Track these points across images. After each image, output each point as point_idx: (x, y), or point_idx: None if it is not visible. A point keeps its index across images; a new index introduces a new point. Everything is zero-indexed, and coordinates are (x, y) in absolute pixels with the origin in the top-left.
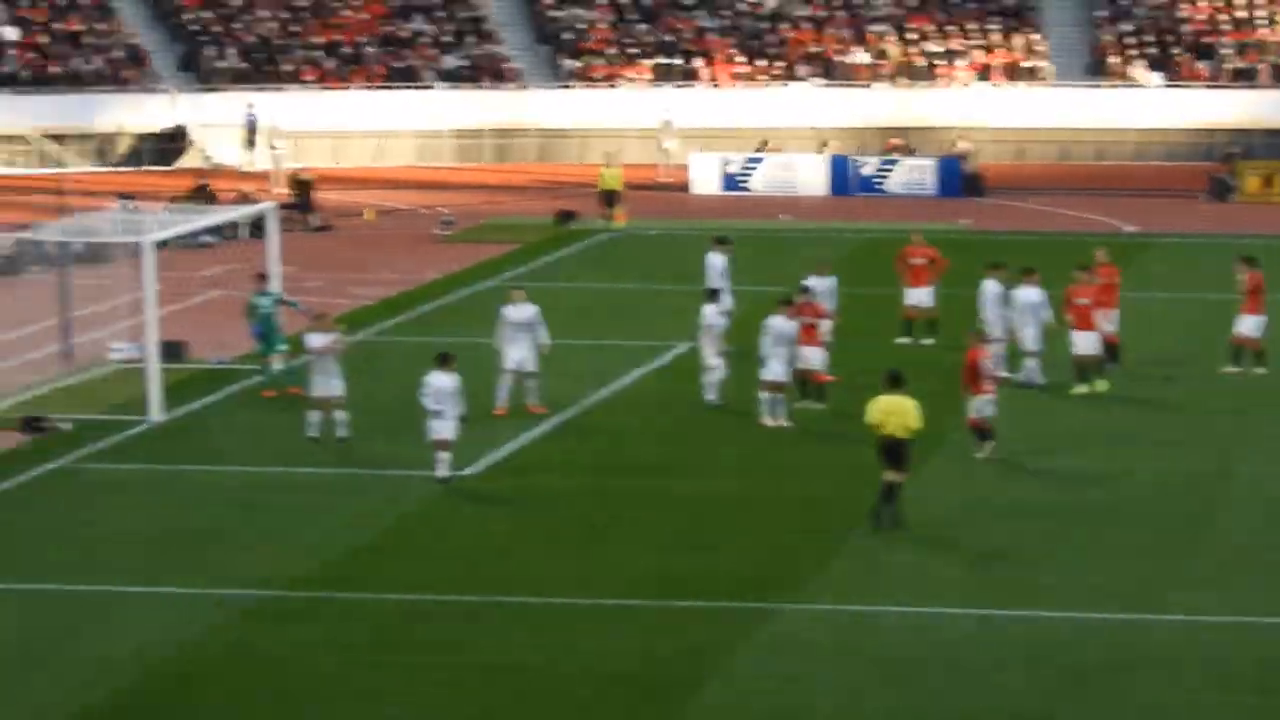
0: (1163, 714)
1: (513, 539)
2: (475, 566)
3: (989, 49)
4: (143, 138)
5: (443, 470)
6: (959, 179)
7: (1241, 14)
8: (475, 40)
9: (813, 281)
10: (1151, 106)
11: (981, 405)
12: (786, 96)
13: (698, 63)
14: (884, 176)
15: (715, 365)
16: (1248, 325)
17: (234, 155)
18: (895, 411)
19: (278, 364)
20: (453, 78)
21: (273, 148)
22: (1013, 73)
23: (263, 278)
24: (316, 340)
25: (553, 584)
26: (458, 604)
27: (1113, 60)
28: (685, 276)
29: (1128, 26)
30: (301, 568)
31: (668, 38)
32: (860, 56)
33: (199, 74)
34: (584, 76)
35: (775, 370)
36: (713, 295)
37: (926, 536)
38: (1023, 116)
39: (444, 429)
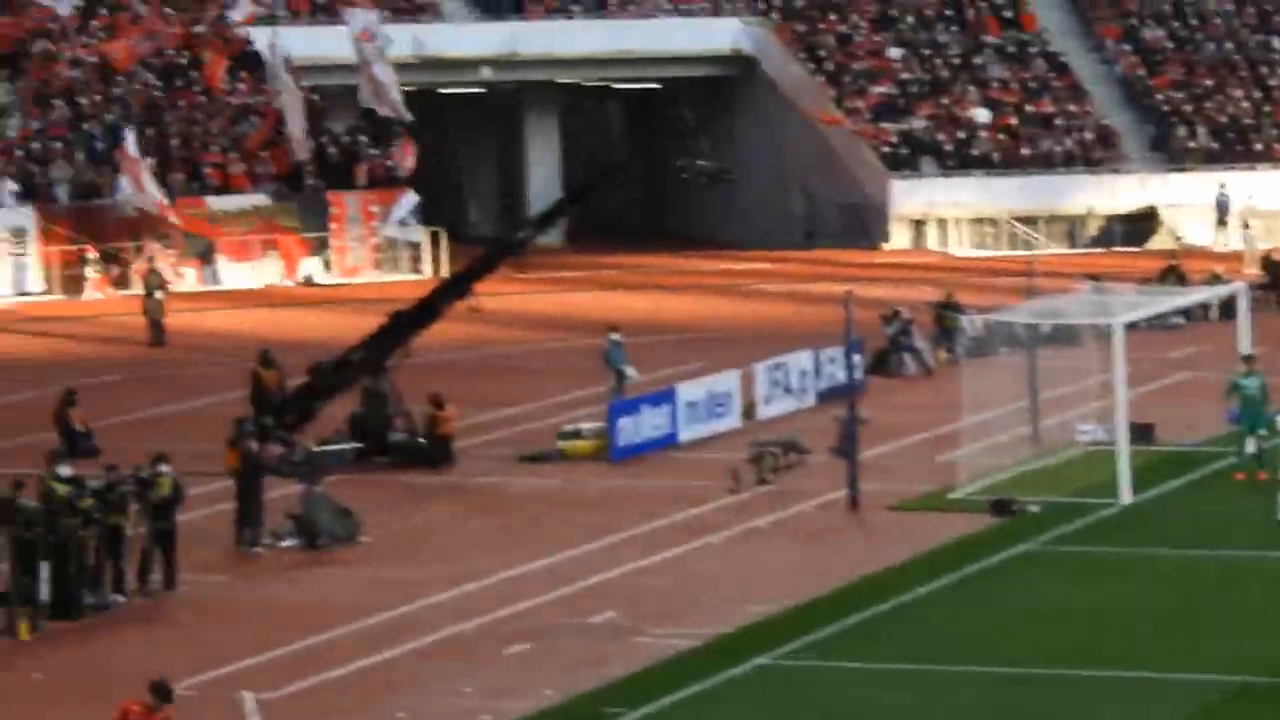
0: None
1: None
2: None
3: None
4: (1112, 219)
5: None
6: None
7: None
8: None
9: None
10: None
11: None
12: None
13: None
14: None
15: None
16: None
17: (1204, 235)
18: None
19: (1250, 446)
20: None
21: (1245, 227)
22: None
23: (1250, 359)
24: None
25: None
26: None
27: None
28: None
29: None
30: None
31: None
32: None
33: (1169, 154)
34: None
35: None
36: None
37: None
38: None
39: None
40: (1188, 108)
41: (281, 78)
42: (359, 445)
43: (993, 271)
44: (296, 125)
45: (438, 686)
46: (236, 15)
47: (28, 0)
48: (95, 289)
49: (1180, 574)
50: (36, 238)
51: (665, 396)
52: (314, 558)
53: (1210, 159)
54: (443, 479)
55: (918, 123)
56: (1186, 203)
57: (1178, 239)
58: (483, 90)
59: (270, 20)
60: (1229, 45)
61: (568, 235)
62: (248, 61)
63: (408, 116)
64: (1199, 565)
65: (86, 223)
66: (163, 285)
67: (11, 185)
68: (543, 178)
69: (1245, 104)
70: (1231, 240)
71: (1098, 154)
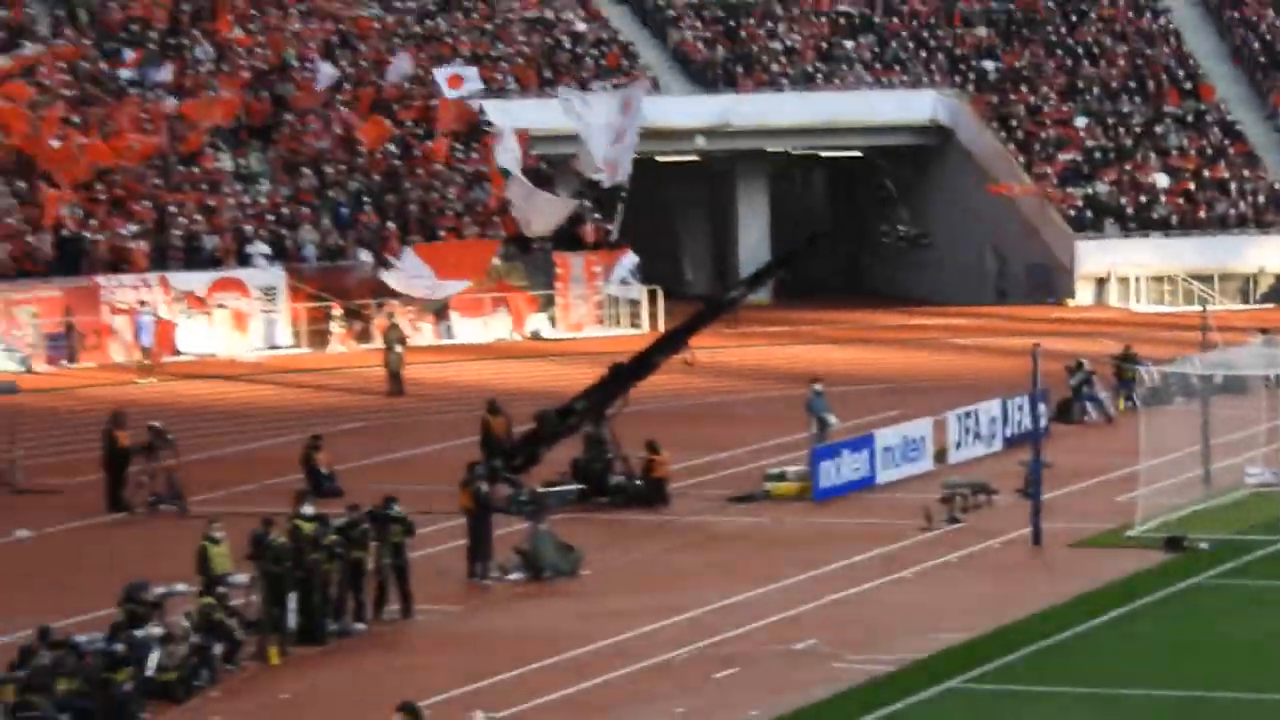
0: None
1: None
2: None
3: None
4: None
5: None
6: None
7: None
8: None
9: None
10: None
11: None
12: None
13: None
14: None
15: None
16: None
17: None
18: None
19: None
20: None
21: None
22: None
23: None
24: None
25: None
26: None
27: None
28: None
29: None
30: None
31: None
32: None
33: None
34: None
35: None
36: None
37: None
38: None
39: None
40: None
41: (511, 169)
42: (581, 487)
43: (1171, 326)
44: (522, 211)
45: (650, 707)
46: (393, 76)
47: (278, 78)
48: (339, 343)
49: None
50: (285, 295)
51: (864, 442)
52: (538, 589)
53: None
54: (657, 518)
55: (1102, 187)
56: None
57: None
58: (698, 159)
59: (499, 93)
60: None
61: (775, 293)
62: (480, 131)
63: (602, 174)
64: None
65: (331, 282)
66: (402, 340)
67: (263, 247)
68: (753, 240)
69: None
70: None
71: (1269, 216)
